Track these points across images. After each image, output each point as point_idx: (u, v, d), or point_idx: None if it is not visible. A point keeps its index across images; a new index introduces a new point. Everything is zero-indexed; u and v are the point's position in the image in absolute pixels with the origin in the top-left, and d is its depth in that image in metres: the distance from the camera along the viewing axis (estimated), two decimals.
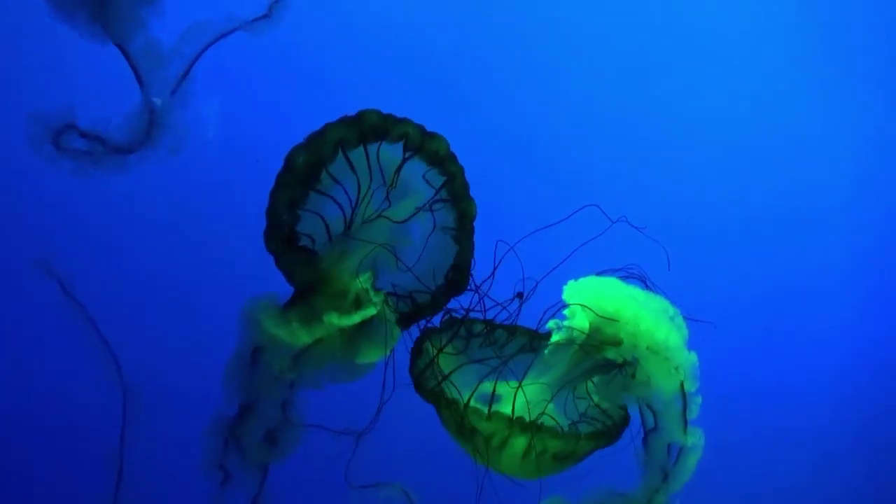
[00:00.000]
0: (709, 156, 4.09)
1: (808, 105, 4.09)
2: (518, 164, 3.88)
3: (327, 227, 2.12)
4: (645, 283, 2.23)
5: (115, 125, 2.09)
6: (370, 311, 2.11)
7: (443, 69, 3.80)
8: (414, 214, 2.16)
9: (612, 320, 2.16)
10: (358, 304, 2.12)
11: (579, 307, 2.18)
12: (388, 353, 2.15)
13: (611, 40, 3.98)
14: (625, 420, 2.22)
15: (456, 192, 2.13)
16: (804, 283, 4.21)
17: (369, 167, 2.10)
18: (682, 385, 2.15)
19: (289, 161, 2.01)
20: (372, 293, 2.11)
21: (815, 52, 4.07)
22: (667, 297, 2.20)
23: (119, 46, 2.00)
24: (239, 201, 2.80)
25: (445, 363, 2.23)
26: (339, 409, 2.22)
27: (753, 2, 4.07)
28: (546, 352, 2.26)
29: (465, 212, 2.15)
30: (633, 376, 2.19)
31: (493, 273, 2.22)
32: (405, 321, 2.21)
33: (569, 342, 2.21)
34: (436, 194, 2.15)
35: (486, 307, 2.25)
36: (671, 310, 2.17)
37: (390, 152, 2.10)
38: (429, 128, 2.08)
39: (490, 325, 2.29)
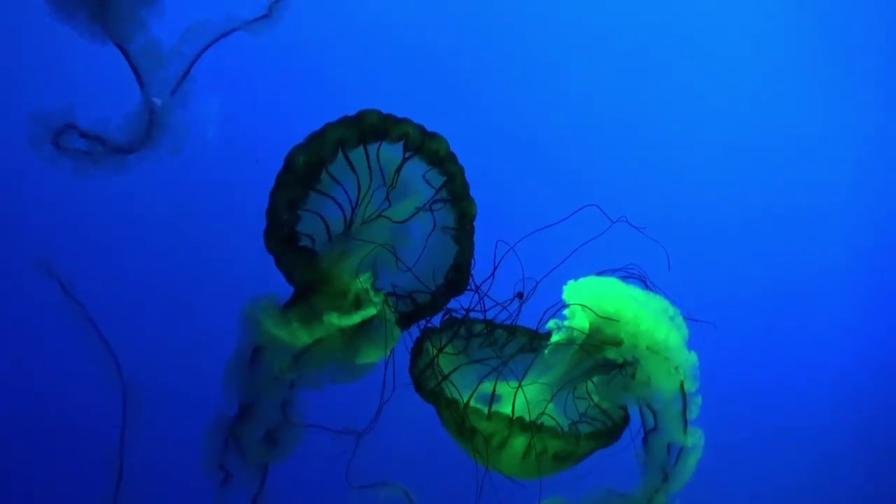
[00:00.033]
0: (709, 156, 4.09)
1: (808, 105, 4.08)
2: (518, 164, 3.88)
3: (327, 227, 2.11)
4: (645, 283, 2.23)
5: (115, 125, 2.08)
6: (370, 311, 2.11)
7: (443, 69, 3.80)
8: (414, 214, 2.16)
9: (612, 320, 2.16)
10: (358, 304, 2.12)
11: (579, 307, 2.18)
12: (388, 353, 2.15)
13: (610, 40, 3.98)
14: (625, 420, 2.22)
15: (456, 192, 2.13)
16: (804, 283, 4.21)
17: (369, 167, 2.10)
18: (682, 385, 2.15)
19: (289, 161, 2.01)
20: (372, 293, 2.11)
21: (815, 52, 4.07)
22: (667, 297, 2.20)
23: (119, 46, 2.00)
24: (239, 201, 2.80)
25: (445, 363, 2.23)
26: (339, 409, 2.21)
27: (753, 2, 4.07)
28: (546, 352, 2.26)
29: (465, 212, 2.14)
30: (633, 376, 2.19)
31: (493, 273, 2.22)
32: (405, 321, 2.21)
33: (569, 342, 2.21)
34: (436, 194, 2.14)
35: (486, 307, 2.25)
36: (671, 310, 2.17)
37: (390, 152, 2.10)
38: (429, 128, 2.08)
39: (490, 325, 2.29)
